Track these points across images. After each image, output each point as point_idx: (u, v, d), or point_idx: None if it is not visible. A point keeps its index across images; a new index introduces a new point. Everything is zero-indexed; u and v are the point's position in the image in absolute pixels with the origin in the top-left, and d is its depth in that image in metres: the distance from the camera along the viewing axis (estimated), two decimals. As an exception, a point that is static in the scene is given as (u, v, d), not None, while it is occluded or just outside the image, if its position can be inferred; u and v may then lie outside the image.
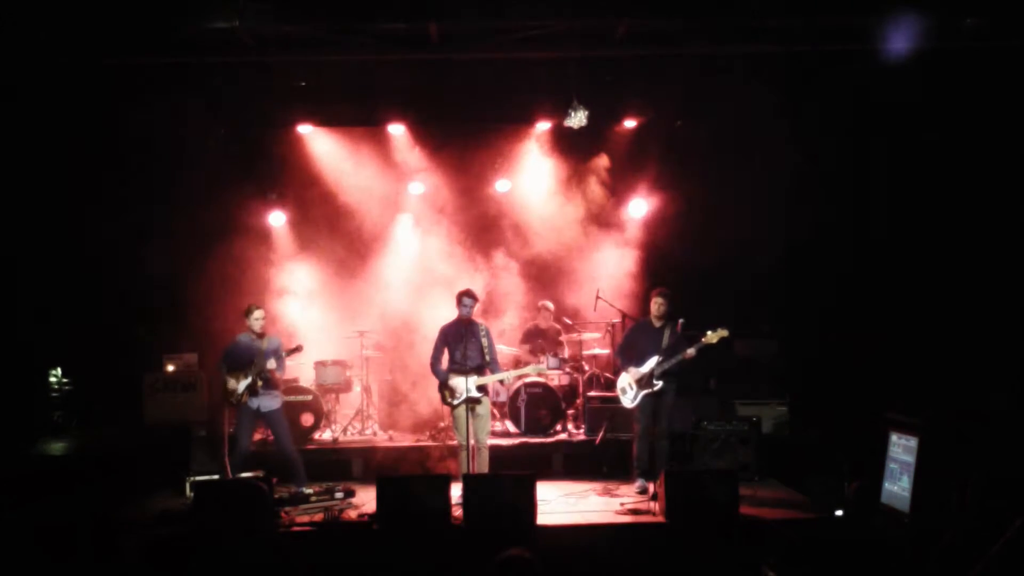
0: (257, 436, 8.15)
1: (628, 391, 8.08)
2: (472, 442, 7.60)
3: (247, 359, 7.82)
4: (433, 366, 7.84)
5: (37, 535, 5.77)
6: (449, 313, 8.01)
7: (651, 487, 7.50)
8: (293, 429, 8.50)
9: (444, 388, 7.78)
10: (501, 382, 8.00)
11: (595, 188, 10.34)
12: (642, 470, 7.98)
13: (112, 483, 7.78)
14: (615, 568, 6.41)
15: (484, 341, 7.74)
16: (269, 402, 7.87)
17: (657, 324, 8.08)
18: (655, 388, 7.89)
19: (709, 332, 7.67)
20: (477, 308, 7.94)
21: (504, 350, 9.53)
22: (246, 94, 9.19)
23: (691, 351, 7.71)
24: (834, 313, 9.55)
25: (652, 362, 7.92)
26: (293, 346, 8.06)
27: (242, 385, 7.76)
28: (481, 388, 7.67)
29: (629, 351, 8.18)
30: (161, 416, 9.15)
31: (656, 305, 8.08)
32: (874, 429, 7.20)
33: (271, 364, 7.72)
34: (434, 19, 7.50)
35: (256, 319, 7.84)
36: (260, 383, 7.77)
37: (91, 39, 7.50)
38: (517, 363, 9.77)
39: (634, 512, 7.20)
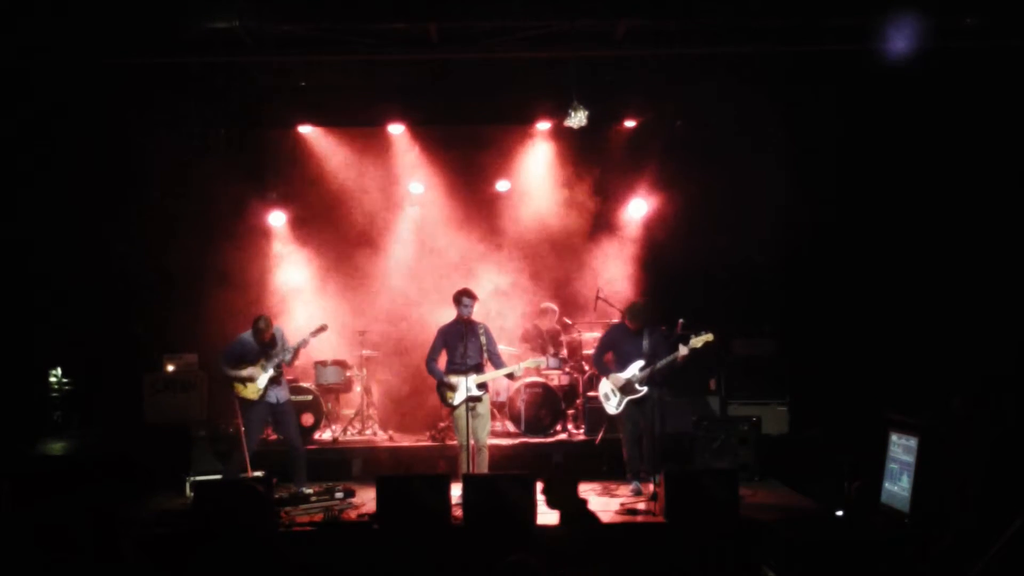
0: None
1: (611, 397, 7.95)
2: (472, 442, 7.58)
3: (255, 355, 7.81)
4: (428, 364, 7.81)
5: (37, 535, 5.77)
6: (449, 313, 8.00)
7: (650, 487, 7.49)
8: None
9: (443, 387, 7.76)
10: (510, 376, 7.90)
11: (595, 188, 10.33)
12: (634, 472, 7.91)
13: (112, 483, 7.78)
14: (615, 568, 6.41)
15: (483, 340, 7.69)
16: (283, 393, 7.92)
17: (632, 327, 7.93)
18: (640, 394, 7.76)
19: (693, 336, 7.54)
20: (476, 308, 7.91)
21: (504, 350, 9.51)
22: (246, 94, 9.19)
23: (684, 352, 7.55)
24: (834, 313, 9.53)
25: (635, 367, 7.81)
26: (317, 327, 7.97)
27: (264, 379, 7.75)
28: (481, 386, 7.63)
29: (607, 356, 8.06)
30: (161, 416, 9.14)
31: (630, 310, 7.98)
32: (874, 429, 7.20)
33: (297, 343, 7.82)
34: (434, 19, 7.49)
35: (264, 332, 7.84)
36: (279, 373, 7.81)
37: (91, 39, 7.50)
38: (517, 362, 9.75)
39: (633, 512, 7.20)
